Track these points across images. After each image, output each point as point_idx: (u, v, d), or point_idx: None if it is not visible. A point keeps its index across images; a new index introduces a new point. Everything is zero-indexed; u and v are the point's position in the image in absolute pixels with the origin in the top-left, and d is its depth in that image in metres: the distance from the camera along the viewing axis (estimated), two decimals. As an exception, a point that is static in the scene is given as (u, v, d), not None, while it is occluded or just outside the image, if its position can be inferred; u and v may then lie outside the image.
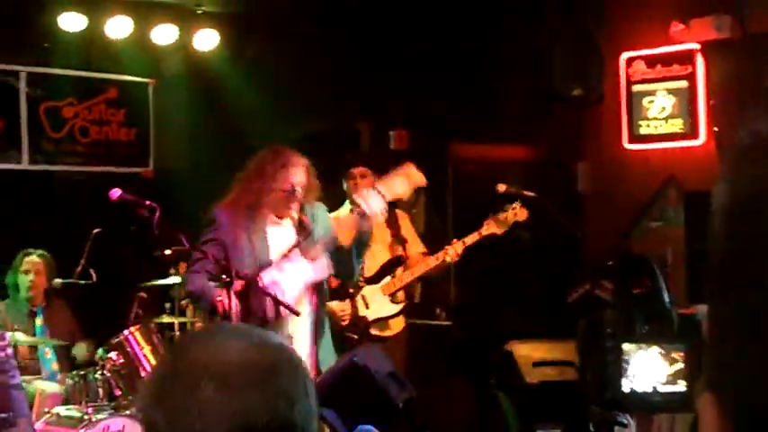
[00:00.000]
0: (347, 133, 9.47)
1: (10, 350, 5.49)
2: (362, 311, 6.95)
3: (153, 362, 6.50)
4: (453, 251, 6.96)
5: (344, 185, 7.27)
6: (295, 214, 5.53)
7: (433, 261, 7.03)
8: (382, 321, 7.11)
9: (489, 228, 6.99)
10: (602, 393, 4.95)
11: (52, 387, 7.05)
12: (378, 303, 7.04)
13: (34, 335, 7.33)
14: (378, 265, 7.12)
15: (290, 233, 5.54)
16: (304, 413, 1.55)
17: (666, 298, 5.01)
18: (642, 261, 5.59)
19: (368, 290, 7.05)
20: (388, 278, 7.10)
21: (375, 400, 6.41)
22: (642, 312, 4.98)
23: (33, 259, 7.57)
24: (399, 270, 7.16)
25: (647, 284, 5.20)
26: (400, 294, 7.15)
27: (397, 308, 7.10)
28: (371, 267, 7.06)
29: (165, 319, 7.52)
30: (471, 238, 6.99)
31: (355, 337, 6.77)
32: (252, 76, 9.47)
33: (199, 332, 1.70)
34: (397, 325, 7.24)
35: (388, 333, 7.16)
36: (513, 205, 7.01)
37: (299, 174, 5.48)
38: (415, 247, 7.34)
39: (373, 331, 7.03)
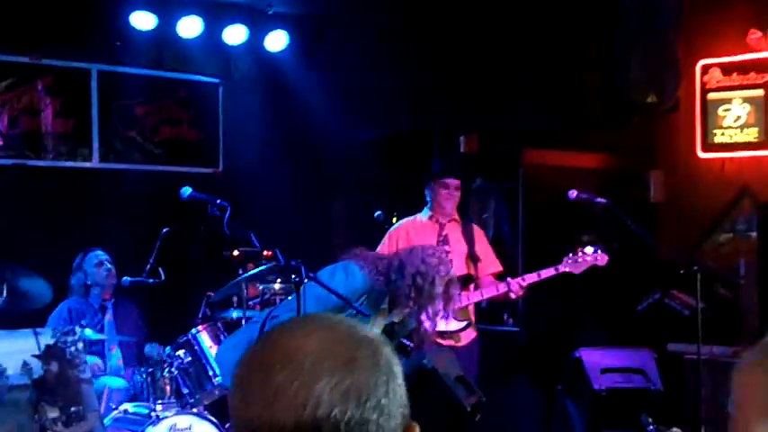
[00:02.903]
0: (417, 136, 9.40)
1: (80, 345, 5.50)
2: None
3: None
4: (518, 286, 6.82)
5: (431, 191, 7.18)
6: None
7: (503, 287, 6.85)
8: (452, 333, 6.95)
9: (566, 266, 6.86)
10: None
11: (119, 383, 7.09)
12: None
13: (102, 330, 7.36)
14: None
15: None
16: (378, 411, 1.49)
17: None
18: None
19: None
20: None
21: (443, 402, 6.38)
22: None
23: (100, 253, 7.60)
24: (471, 287, 7.02)
25: None
26: (465, 311, 6.99)
27: (461, 325, 6.90)
28: None
29: (234, 314, 7.54)
30: (546, 273, 6.86)
31: (411, 345, 6.55)
32: (322, 78, 9.46)
33: (294, 320, 1.64)
34: (468, 336, 7.08)
35: (459, 344, 7.01)
36: (594, 250, 6.87)
37: None
38: (490, 266, 7.20)
39: (444, 342, 6.88)
